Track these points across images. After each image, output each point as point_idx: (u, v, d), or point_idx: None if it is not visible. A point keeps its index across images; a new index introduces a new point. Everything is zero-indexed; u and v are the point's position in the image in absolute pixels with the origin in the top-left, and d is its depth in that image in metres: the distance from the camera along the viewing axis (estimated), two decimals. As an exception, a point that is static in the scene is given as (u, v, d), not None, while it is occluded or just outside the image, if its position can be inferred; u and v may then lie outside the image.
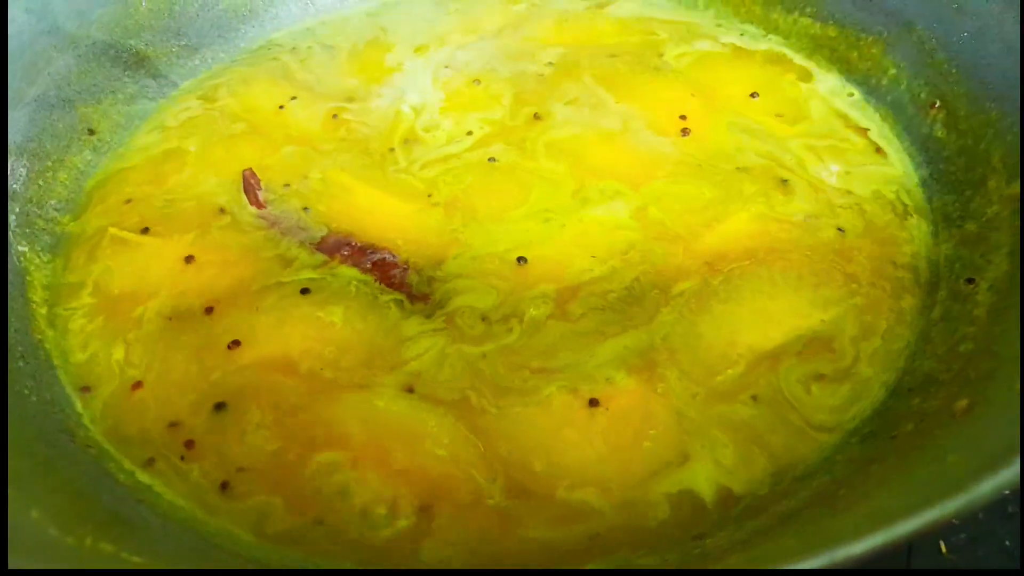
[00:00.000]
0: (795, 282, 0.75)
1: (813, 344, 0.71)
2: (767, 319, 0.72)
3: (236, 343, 0.73)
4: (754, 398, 0.67)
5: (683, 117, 0.93)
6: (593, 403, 0.67)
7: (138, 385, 0.71)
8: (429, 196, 0.85)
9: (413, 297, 0.75)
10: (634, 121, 0.93)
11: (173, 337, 0.74)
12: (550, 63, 1.03)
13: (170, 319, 0.75)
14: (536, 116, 0.94)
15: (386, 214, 0.84)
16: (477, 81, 1.00)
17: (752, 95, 0.96)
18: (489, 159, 0.89)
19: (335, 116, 0.97)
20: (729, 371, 0.69)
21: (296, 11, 1.14)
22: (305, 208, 0.85)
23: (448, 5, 1.14)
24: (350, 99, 0.99)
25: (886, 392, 0.69)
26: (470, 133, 0.92)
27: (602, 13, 1.13)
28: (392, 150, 0.91)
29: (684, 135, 0.91)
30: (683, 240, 0.79)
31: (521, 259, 0.78)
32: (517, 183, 0.86)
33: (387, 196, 0.85)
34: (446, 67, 1.03)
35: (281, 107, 0.99)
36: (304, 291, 0.77)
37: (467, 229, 0.81)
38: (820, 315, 0.73)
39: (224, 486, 0.64)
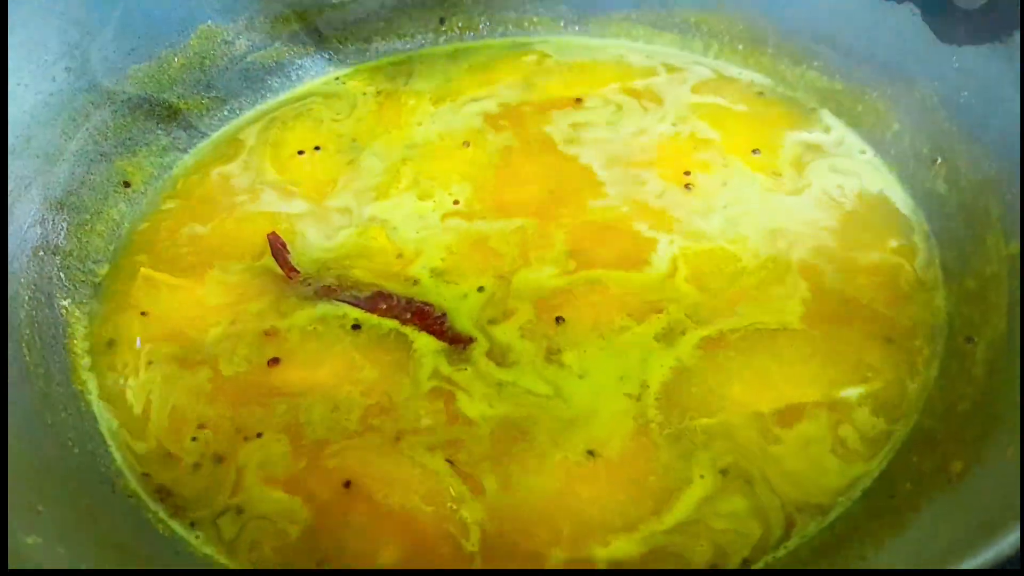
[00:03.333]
0: (807, 355, 0.78)
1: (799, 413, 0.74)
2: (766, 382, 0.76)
3: (276, 360, 0.79)
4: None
5: (687, 173, 0.97)
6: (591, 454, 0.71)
7: (180, 431, 0.75)
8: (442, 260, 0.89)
9: (454, 341, 0.79)
10: (639, 172, 0.97)
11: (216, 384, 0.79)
12: (557, 115, 1.07)
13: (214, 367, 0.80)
14: (545, 168, 0.99)
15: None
16: (485, 140, 1.04)
17: (754, 151, 1.00)
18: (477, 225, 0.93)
19: (347, 169, 1.01)
20: (703, 420, 0.73)
21: (321, 63, 1.18)
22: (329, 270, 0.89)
23: (464, 59, 1.19)
24: (362, 152, 1.03)
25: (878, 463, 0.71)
26: (456, 202, 0.95)
27: (609, 60, 1.17)
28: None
29: (687, 190, 0.95)
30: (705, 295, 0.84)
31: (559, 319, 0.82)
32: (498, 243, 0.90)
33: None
34: (457, 123, 1.07)
35: (301, 152, 1.04)
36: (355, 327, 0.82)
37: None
38: (823, 392, 0.75)
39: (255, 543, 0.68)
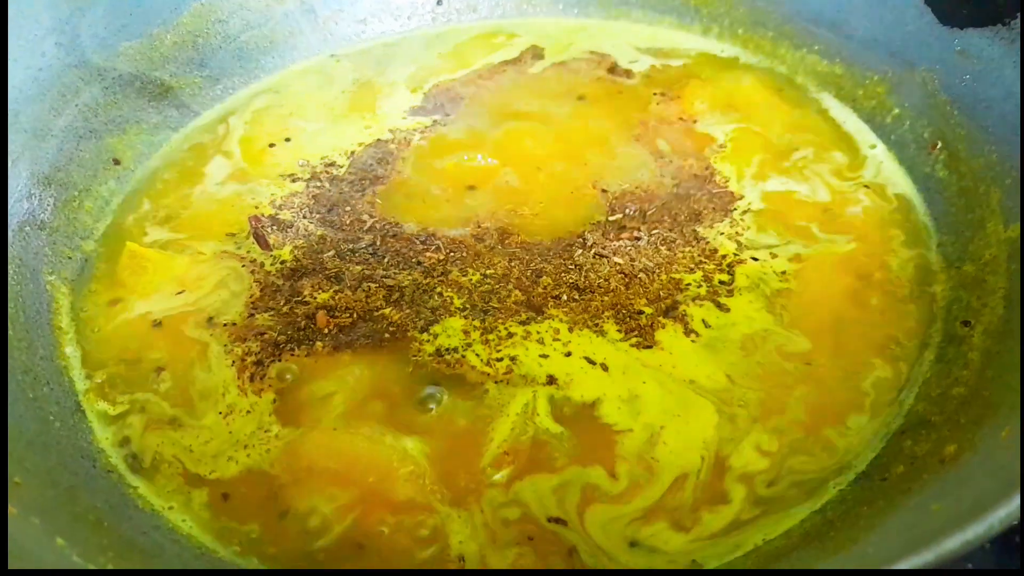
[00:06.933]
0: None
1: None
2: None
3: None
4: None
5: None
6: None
7: (168, 414, 0.74)
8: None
9: None
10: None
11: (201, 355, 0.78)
12: (528, 94, 1.08)
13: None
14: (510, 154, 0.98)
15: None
16: (456, 126, 1.04)
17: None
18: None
19: (311, 167, 0.98)
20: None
21: (315, 43, 1.17)
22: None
23: (438, 43, 1.18)
24: (328, 145, 1.01)
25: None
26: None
27: (585, 36, 1.18)
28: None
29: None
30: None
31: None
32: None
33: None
34: (426, 106, 1.07)
35: (272, 145, 1.02)
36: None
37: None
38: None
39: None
